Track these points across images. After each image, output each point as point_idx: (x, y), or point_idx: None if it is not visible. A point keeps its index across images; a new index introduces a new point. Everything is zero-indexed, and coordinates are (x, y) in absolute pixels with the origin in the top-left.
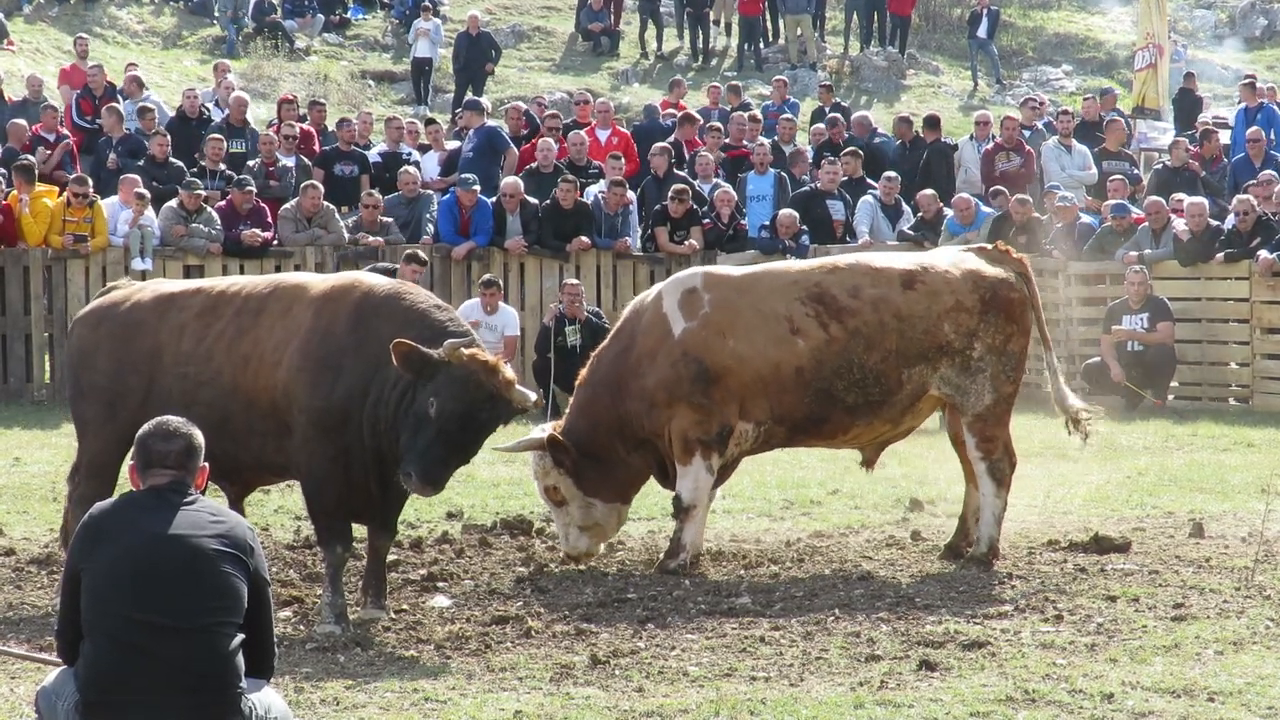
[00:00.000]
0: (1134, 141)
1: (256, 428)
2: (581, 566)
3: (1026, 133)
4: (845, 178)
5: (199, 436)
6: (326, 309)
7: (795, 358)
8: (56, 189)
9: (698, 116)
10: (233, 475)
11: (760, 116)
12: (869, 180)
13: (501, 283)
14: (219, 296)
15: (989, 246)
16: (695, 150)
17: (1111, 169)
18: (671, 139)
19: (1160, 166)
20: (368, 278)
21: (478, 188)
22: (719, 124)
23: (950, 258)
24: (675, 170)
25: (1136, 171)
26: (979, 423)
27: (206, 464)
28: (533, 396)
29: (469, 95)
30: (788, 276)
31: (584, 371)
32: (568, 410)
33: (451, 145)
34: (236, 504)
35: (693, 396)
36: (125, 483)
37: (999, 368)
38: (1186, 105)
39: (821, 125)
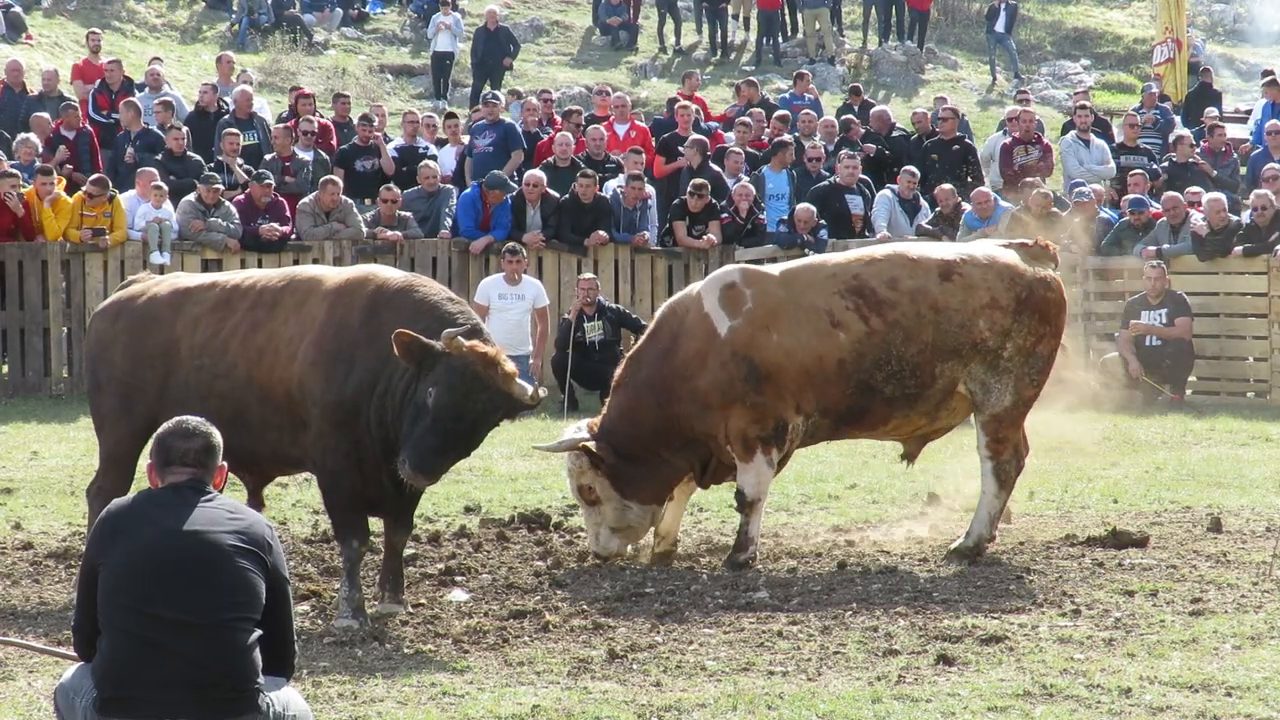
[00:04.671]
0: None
1: (272, 421)
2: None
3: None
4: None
5: (217, 436)
6: (340, 302)
7: (837, 350)
8: (64, 181)
9: (749, 122)
10: (250, 467)
11: (790, 115)
12: (864, 177)
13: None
14: (233, 290)
15: (1030, 242)
16: (721, 145)
17: (1130, 163)
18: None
19: (1168, 163)
20: (383, 271)
21: (508, 189)
22: (748, 119)
23: (989, 251)
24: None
25: (1156, 166)
26: (994, 423)
27: (225, 463)
28: (531, 389)
29: (486, 90)
30: (825, 270)
31: (619, 372)
32: (604, 411)
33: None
34: (255, 494)
35: (746, 396)
36: (142, 478)
37: (1025, 369)
38: (1203, 100)
39: (846, 117)
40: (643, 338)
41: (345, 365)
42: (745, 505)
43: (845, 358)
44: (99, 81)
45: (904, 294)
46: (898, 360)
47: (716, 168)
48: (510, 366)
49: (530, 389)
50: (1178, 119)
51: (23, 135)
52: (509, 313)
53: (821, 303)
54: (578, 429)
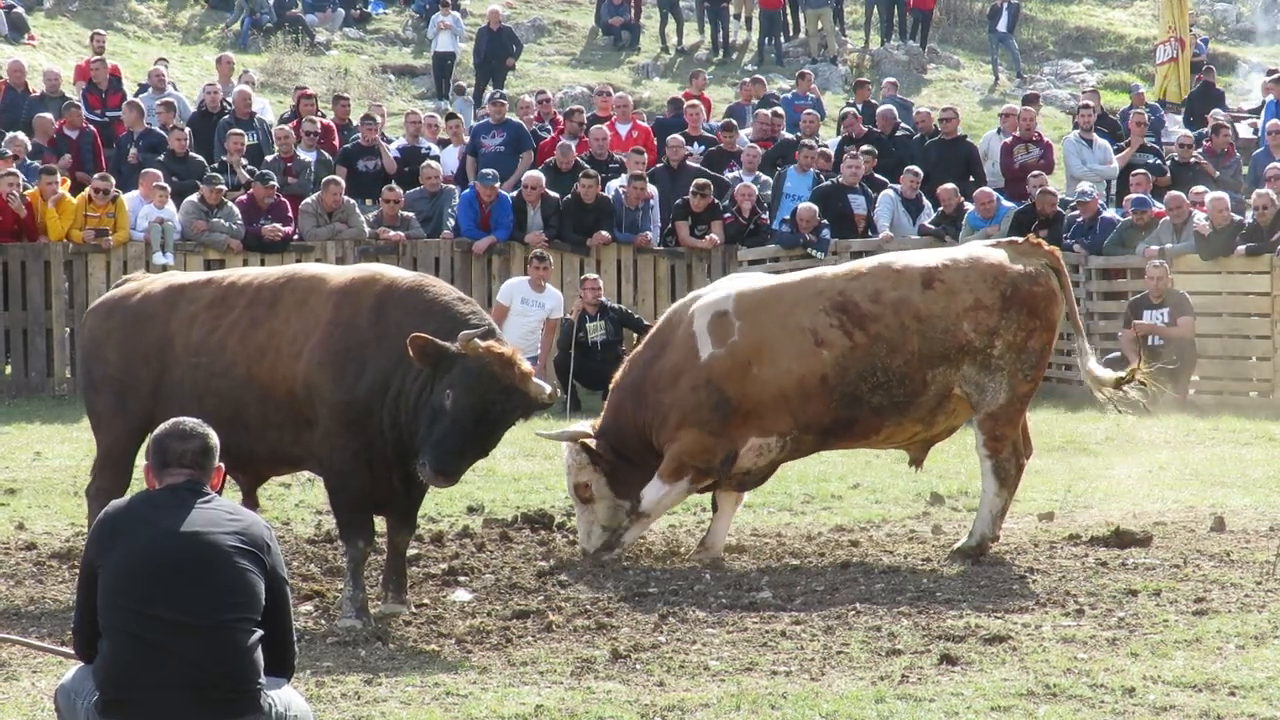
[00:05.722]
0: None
1: (272, 419)
2: (626, 557)
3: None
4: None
5: (214, 437)
6: (348, 301)
7: (820, 367)
8: (69, 181)
9: (734, 123)
10: (246, 467)
11: (783, 113)
12: (879, 176)
13: (551, 260)
14: (229, 287)
15: (1020, 240)
16: (718, 146)
17: (1137, 162)
18: (716, 147)
19: (1169, 163)
20: (390, 270)
21: (497, 183)
22: (733, 120)
23: (974, 253)
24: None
25: (1162, 163)
26: (990, 420)
27: (222, 465)
28: (549, 389)
29: (489, 89)
30: (815, 287)
31: (618, 374)
32: (604, 410)
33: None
34: (249, 495)
35: (709, 425)
36: (140, 478)
37: (1018, 366)
38: (1206, 100)
39: (847, 111)
40: (641, 343)
41: (356, 365)
42: (636, 513)
43: (828, 374)
44: (87, 81)
45: (887, 306)
46: (884, 372)
47: (695, 166)
48: (526, 366)
49: (548, 388)
50: (1177, 118)
51: (11, 134)
52: (528, 318)
53: (807, 322)
54: (583, 425)
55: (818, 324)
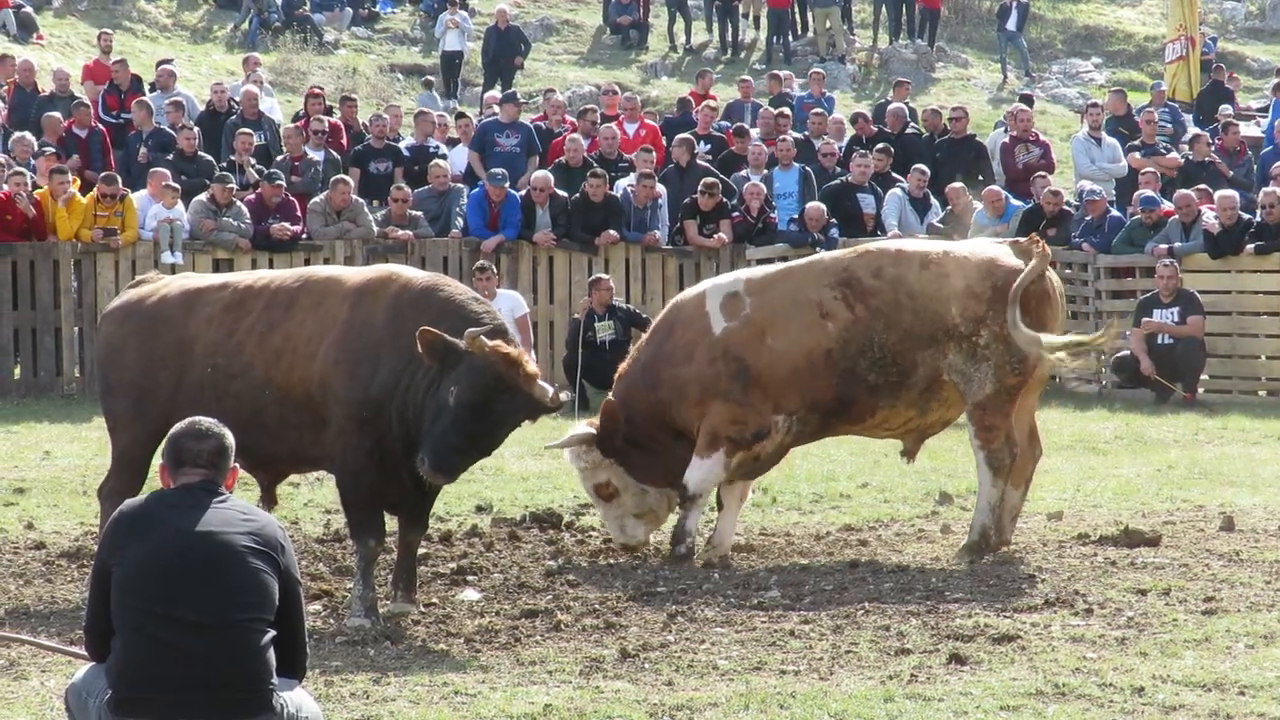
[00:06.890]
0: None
1: (290, 421)
2: (635, 556)
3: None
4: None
5: (230, 437)
6: (363, 302)
7: (826, 341)
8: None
9: (750, 130)
10: (266, 466)
11: (789, 113)
12: (895, 175)
13: (495, 269)
14: (246, 290)
15: (1022, 240)
16: (730, 148)
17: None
18: (728, 150)
19: (1184, 161)
20: (405, 270)
21: (507, 184)
22: (744, 123)
23: (973, 245)
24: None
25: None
26: (978, 411)
27: (237, 465)
28: (551, 391)
29: (496, 88)
30: (822, 264)
31: (624, 364)
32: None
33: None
34: (268, 492)
35: (731, 394)
36: (154, 480)
37: (1005, 358)
38: (1216, 98)
39: (857, 111)
40: (647, 332)
41: (370, 364)
42: (686, 499)
43: (832, 347)
44: (108, 83)
45: (886, 282)
46: (879, 348)
47: (704, 165)
48: (532, 368)
49: (551, 391)
50: (1188, 118)
51: (18, 134)
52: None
53: (814, 295)
54: (583, 425)
55: (823, 297)
